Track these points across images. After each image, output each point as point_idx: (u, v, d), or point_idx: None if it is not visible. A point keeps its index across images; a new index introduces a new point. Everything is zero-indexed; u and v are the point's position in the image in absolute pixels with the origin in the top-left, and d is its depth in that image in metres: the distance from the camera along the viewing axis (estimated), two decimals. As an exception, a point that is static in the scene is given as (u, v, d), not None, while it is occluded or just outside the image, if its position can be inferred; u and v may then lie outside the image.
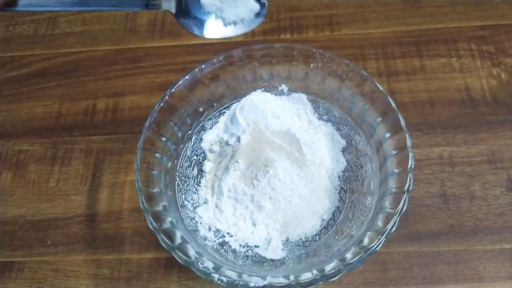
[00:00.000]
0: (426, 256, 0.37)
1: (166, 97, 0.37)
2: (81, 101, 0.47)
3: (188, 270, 0.37)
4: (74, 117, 0.47)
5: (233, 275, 0.30)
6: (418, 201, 0.39)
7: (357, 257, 0.29)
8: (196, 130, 0.40)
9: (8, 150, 0.45)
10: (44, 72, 0.50)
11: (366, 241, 0.30)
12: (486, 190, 0.39)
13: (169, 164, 0.37)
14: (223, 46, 0.49)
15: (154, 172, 0.35)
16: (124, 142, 0.44)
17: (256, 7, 0.37)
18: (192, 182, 0.39)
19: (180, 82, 0.37)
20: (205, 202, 0.37)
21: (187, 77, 0.37)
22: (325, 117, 0.41)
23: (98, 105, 0.47)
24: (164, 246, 0.30)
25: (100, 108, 0.47)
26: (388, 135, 0.35)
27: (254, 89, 0.41)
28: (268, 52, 0.39)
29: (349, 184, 0.38)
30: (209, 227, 0.36)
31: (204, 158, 0.40)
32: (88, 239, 0.39)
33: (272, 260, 0.35)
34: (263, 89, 0.41)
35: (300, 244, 0.36)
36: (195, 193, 0.38)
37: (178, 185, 0.38)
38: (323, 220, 0.36)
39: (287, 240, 0.36)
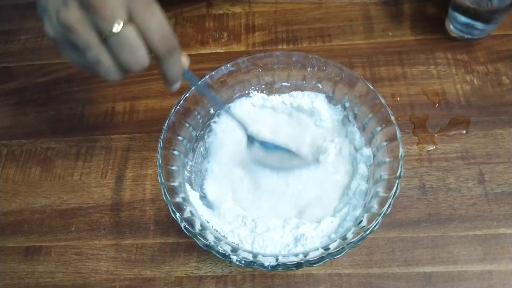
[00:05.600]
0: (407, 241, 0.37)
1: (182, 101, 0.37)
2: (102, 104, 0.48)
3: (195, 253, 0.38)
4: (96, 118, 0.48)
5: (249, 256, 0.30)
6: (400, 193, 0.38)
7: (358, 236, 0.30)
8: (208, 129, 0.41)
9: (37, 147, 0.46)
10: (69, 78, 0.51)
11: (365, 221, 0.31)
12: (460, 182, 0.40)
13: (186, 160, 0.38)
14: (227, 55, 0.51)
15: (174, 167, 0.35)
16: (140, 140, 0.45)
17: None
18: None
19: (193, 88, 0.38)
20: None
21: (199, 83, 0.38)
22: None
23: (116, 107, 0.48)
24: (187, 233, 0.31)
25: (119, 110, 0.48)
26: (379, 128, 0.36)
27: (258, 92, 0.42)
28: (270, 59, 0.40)
29: None
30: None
31: None
32: (108, 226, 0.41)
33: None
34: (265, 92, 0.42)
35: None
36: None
37: (194, 179, 0.39)
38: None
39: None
